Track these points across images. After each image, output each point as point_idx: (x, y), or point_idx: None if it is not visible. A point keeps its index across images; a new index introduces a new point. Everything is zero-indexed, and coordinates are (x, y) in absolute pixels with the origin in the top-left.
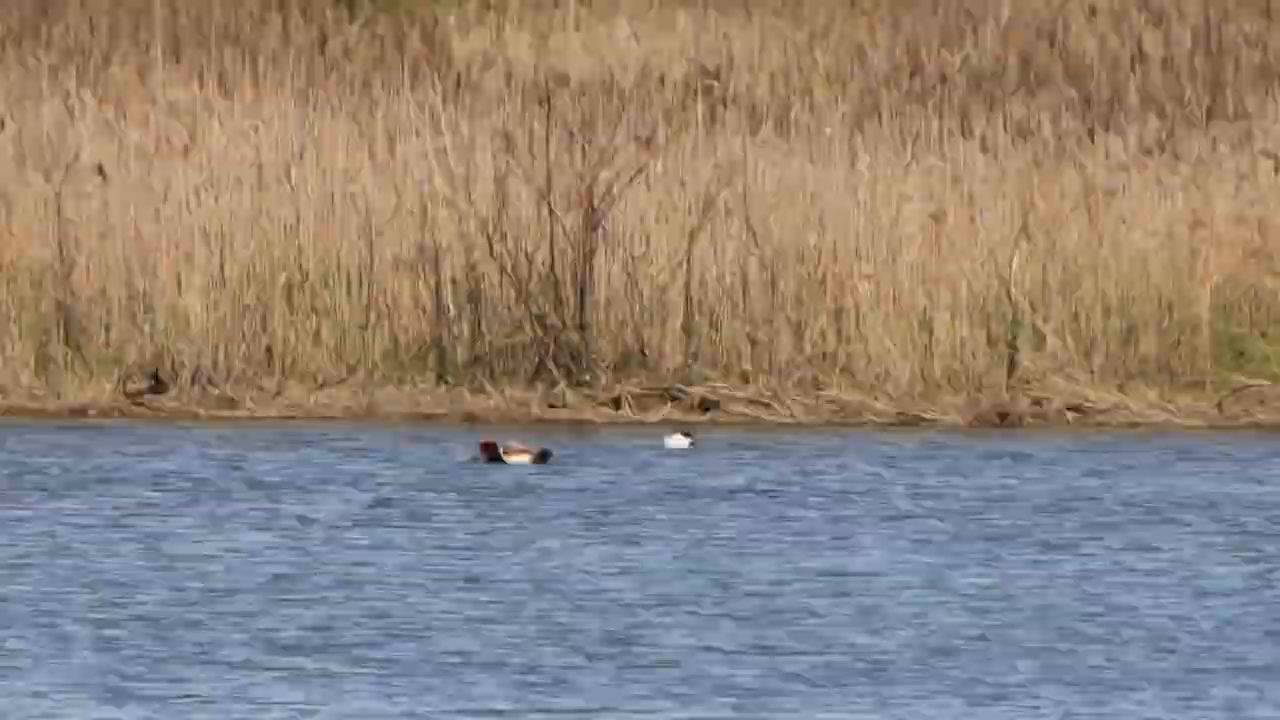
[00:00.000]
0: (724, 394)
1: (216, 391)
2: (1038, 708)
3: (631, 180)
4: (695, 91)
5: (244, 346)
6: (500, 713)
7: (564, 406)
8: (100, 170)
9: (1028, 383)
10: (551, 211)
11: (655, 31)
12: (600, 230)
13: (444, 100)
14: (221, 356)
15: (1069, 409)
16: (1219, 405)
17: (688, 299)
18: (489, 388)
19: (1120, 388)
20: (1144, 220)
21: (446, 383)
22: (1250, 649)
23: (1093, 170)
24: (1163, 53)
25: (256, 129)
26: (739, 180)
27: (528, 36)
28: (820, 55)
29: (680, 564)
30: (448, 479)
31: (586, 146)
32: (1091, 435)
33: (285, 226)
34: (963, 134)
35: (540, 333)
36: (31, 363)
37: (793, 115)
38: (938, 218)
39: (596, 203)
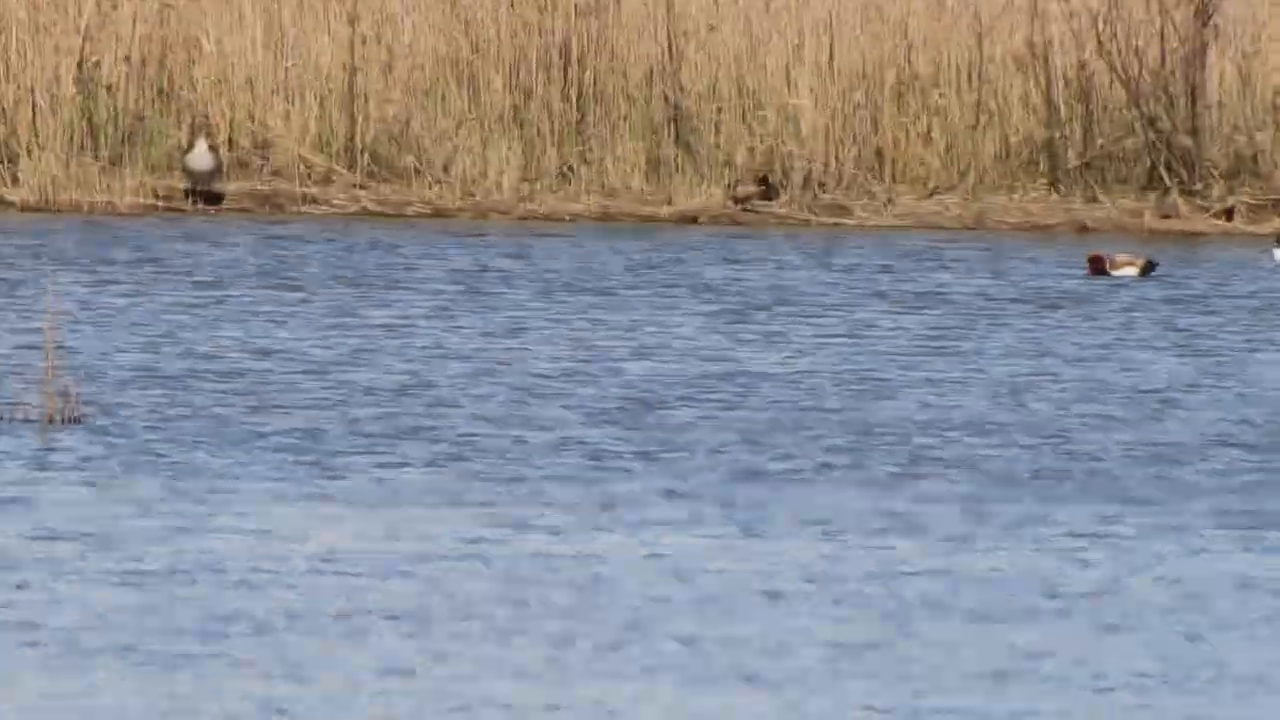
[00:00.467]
0: None
1: (828, 198)
2: None
3: None
4: None
5: (855, 149)
6: None
7: (1176, 217)
8: None
9: None
10: (1162, 6)
11: None
12: (1212, 26)
13: None
14: (833, 160)
15: None
16: None
17: None
18: (1101, 196)
19: None
20: None
21: (1057, 190)
22: None
23: None
24: None
25: None
26: None
27: None
28: None
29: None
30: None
31: None
32: None
33: (894, 21)
34: None
35: (1152, 136)
36: (643, 165)
37: None
38: None
39: None
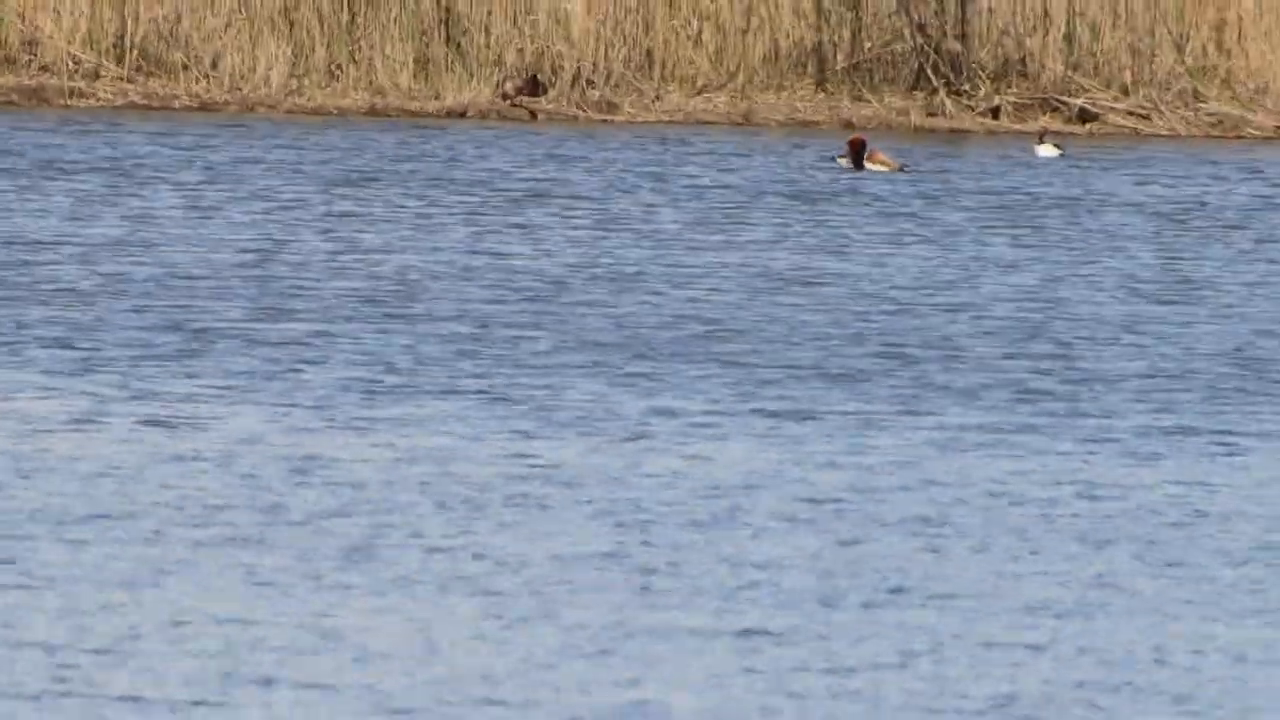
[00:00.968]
0: (1103, 105)
1: (596, 95)
2: None
3: None
4: None
5: (624, 50)
6: None
7: (943, 115)
8: None
9: None
10: None
11: None
12: None
13: None
14: (602, 59)
15: None
16: None
17: (1070, 7)
18: (868, 95)
19: None
20: None
21: (825, 90)
22: None
23: None
24: None
25: None
26: None
27: None
28: None
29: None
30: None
31: None
32: None
33: None
34: None
35: (920, 41)
36: (411, 64)
37: None
38: None
39: None
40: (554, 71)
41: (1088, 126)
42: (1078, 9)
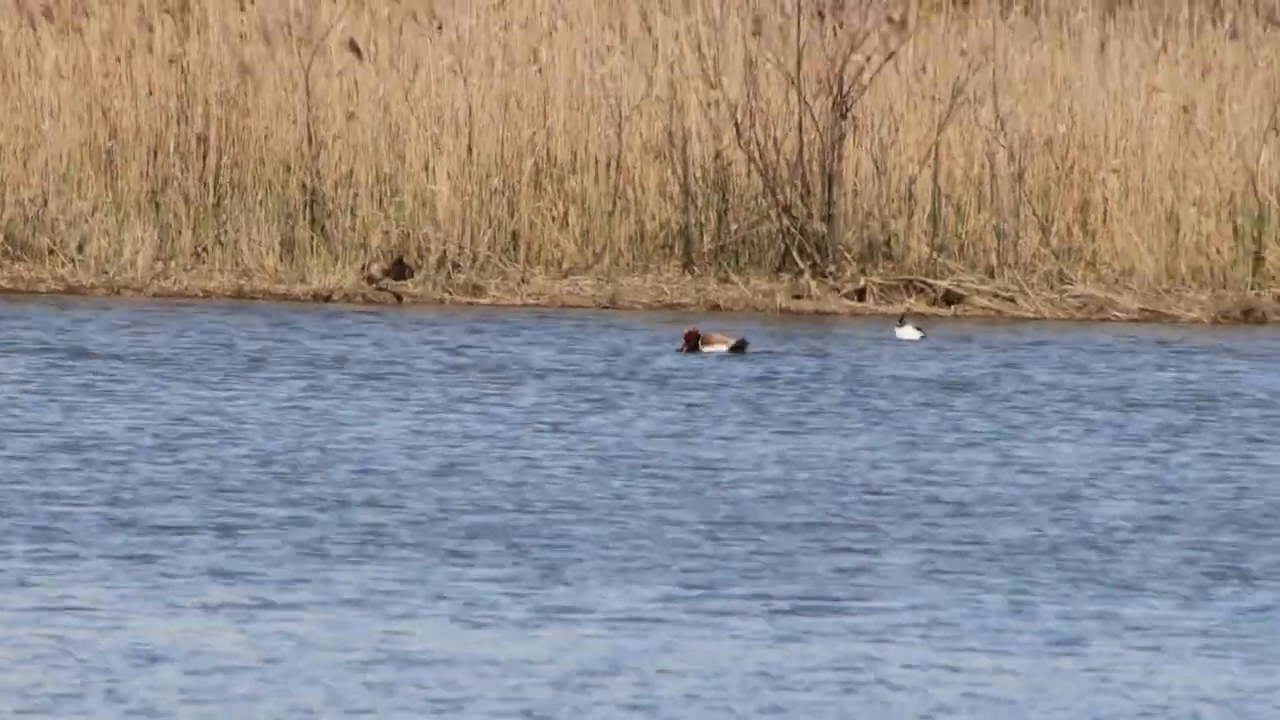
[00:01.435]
0: (969, 287)
1: (462, 278)
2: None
3: (882, 65)
4: None
5: (490, 232)
6: None
7: (808, 297)
8: (353, 46)
9: (1273, 279)
10: (801, 97)
11: None
12: (849, 118)
13: None
14: (468, 242)
15: None
16: None
17: (935, 190)
18: (734, 277)
19: None
20: None
21: (692, 272)
22: None
23: None
24: None
25: (503, 4)
26: (988, 67)
27: None
28: None
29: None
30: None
31: (837, 29)
32: None
33: (534, 110)
34: (1213, 21)
35: (786, 223)
36: (277, 246)
37: None
38: (1187, 109)
39: (846, 88)
40: (420, 254)
41: (953, 309)
42: (942, 190)
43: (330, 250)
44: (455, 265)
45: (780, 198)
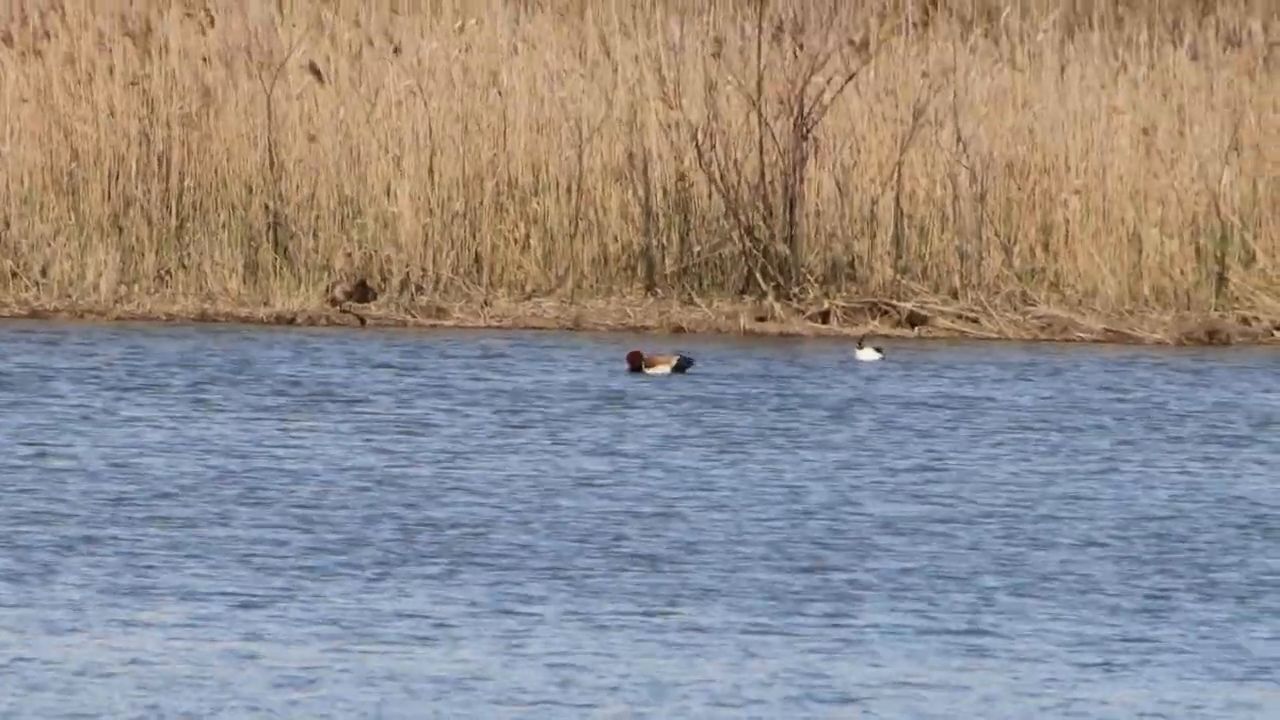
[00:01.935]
0: (932, 308)
1: (425, 300)
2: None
3: (843, 87)
4: None
5: (452, 254)
6: None
7: (772, 319)
8: (314, 69)
9: (1237, 300)
10: (762, 119)
11: None
12: (810, 139)
13: (654, 0)
14: (430, 264)
15: (1278, 329)
16: None
17: (897, 211)
18: (697, 300)
19: None
20: None
21: (655, 294)
22: None
23: None
24: None
25: (463, 28)
26: (949, 89)
27: None
28: None
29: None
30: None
31: (798, 51)
32: None
33: (494, 132)
34: (1173, 43)
35: (748, 244)
36: (240, 269)
37: (1003, 20)
38: (1147, 131)
39: (807, 110)
40: (383, 276)
41: (917, 330)
42: (905, 212)
43: (294, 273)
44: (419, 288)
45: (742, 219)
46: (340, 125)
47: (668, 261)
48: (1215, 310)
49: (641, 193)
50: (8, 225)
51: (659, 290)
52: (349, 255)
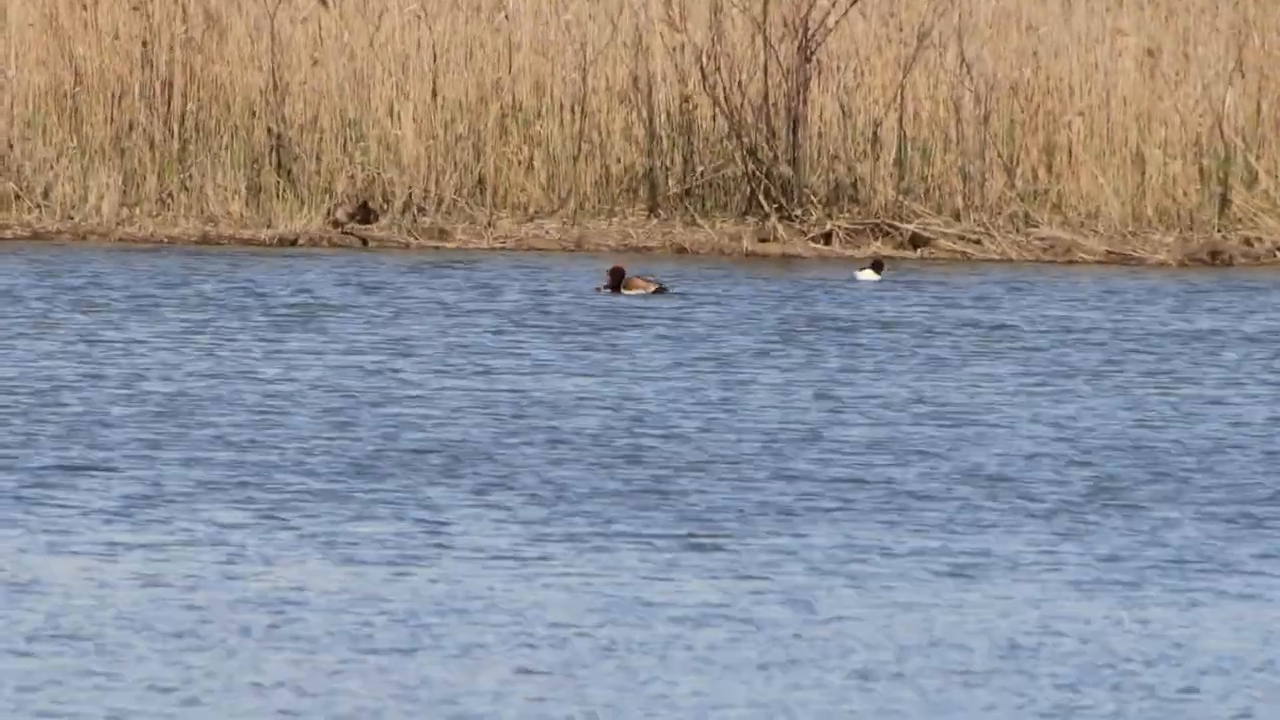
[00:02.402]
0: (935, 230)
1: (427, 222)
2: None
3: (848, 10)
4: None
5: (455, 176)
6: None
7: (774, 240)
8: None
9: (1239, 221)
10: (766, 41)
11: None
12: (814, 61)
13: None
14: (433, 186)
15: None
16: None
17: (900, 133)
18: (699, 220)
19: None
20: None
21: (658, 215)
22: None
23: None
24: None
25: None
26: (954, 11)
27: None
28: None
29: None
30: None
31: None
32: None
33: (499, 55)
34: None
35: (751, 166)
36: (243, 191)
37: None
38: (1152, 52)
39: (811, 32)
40: (385, 199)
41: (919, 251)
42: (908, 134)
43: (296, 195)
44: (421, 209)
45: (745, 141)
46: (344, 48)
47: (671, 183)
48: (1218, 231)
49: (645, 115)
50: (11, 148)
51: (662, 212)
52: (351, 178)
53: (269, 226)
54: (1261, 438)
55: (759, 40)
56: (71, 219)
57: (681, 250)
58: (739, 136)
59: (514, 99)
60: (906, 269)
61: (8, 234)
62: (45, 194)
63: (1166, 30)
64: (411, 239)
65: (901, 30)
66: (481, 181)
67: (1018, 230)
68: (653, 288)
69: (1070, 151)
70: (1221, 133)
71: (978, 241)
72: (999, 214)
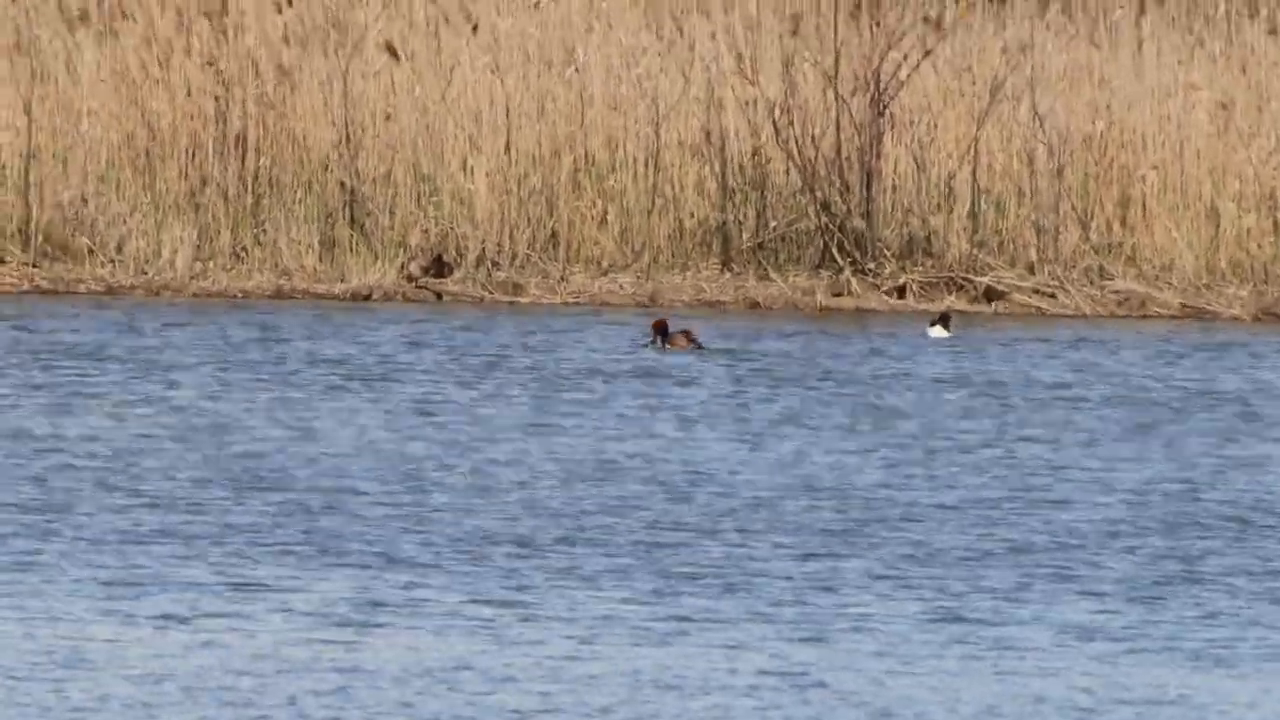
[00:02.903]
0: (1009, 283)
1: (501, 276)
2: None
3: (919, 63)
4: None
5: (529, 231)
6: None
7: (848, 294)
8: (389, 48)
9: None
10: (838, 95)
11: None
12: (887, 115)
13: None
14: (506, 240)
15: None
16: None
17: (974, 186)
18: (773, 274)
19: None
20: None
21: (731, 270)
22: None
23: None
24: None
25: (539, 5)
26: (1026, 64)
27: None
28: None
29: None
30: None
31: (874, 28)
32: None
33: (571, 109)
34: (1250, 17)
35: (825, 219)
36: (316, 245)
37: None
38: (1225, 106)
39: (884, 86)
40: (459, 252)
41: (993, 305)
42: (982, 186)
43: (370, 249)
44: (494, 263)
45: (819, 194)
46: (416, 103)
47: (744, 237)
48: None
49: (718, 169)
50: (85, 203)
51: (735, 266)
52: (425, 232)
53: (343, 280)
54: None
55: (830, 94)
56: (145, 274)
57: (754, 305)
58: (812, 190)
59: (586, 153)
60: (976, 324)
61: (81, 289)
62: (119, 249)
63: (1239, 83)
64: (486, 293)
65: (974, 84)
66: (554, 235)
67: (1091, 283)
68: (691, 345)
69: (1144, 205)
70: None
71: (1052, 295)
72: (1073, 267)
